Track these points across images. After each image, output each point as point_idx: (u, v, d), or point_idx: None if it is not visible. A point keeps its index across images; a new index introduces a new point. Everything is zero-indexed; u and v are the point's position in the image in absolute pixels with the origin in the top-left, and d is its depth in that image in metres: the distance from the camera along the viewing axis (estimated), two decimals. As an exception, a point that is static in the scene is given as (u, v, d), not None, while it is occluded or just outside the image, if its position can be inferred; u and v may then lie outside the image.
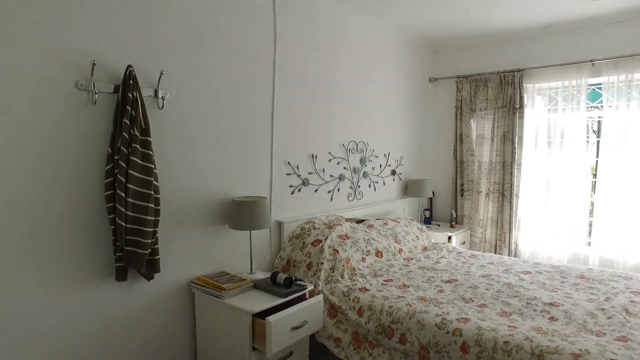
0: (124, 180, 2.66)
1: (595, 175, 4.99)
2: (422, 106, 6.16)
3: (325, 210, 4.51)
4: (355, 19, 4.78)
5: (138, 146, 2.74)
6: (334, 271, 3.68)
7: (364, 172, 4.96)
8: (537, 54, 5.33)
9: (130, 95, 2.73)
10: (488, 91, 5.65)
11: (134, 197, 2.70)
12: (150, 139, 2.83)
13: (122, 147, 2.67)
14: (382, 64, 5.25)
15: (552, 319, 2.83)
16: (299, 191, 4.13)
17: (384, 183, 5.38)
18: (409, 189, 5.67)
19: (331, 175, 4.55)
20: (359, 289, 3.45)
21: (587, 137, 5.02)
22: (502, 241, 5.57)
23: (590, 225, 5.10)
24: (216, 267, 3.83)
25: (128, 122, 2.71)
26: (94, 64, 2.65)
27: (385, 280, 3.67)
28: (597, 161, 4.99)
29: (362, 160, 4.91)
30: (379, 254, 4.22)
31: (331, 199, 4.57)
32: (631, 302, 3.08)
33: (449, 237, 5.37)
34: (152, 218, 2.78)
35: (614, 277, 3.66)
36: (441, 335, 2.78)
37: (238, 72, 3.55)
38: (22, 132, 2.41)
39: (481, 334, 2.64)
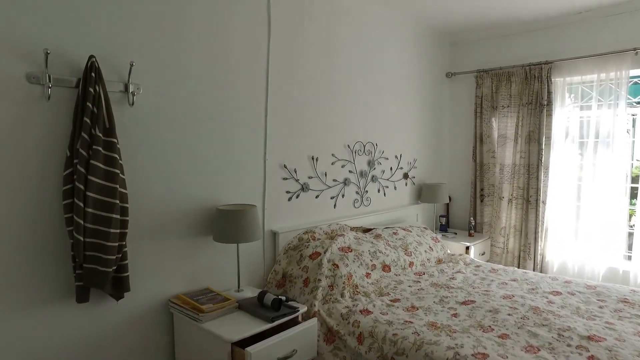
0: (82, 187, 2.30)
1: (637, 180, 4.40)
2: (438, 103, 5.65)
3: (327, 218, 4.08)
4: (363, 7, 4.33)
5: (100, 148, 2.37)
6: (332, 289, 3.25)
7: (372, 176, 4.50)
8: (568, 44, 4.77)
9: (92, 90, 2.36)
10: (511, 86, 5.11)
11: (94, 207, 2.33)
12: (115, 140, 2.45)
13: (81, 150, 2.31)
14: (393, 57, 4.78)
15: (591, 358, 2.33)
16: (297, 197, 3.71)
17: (395, 188, 4.91)
18: (423, 194, 5.18)
19: (334, 180, 4.12)
20: (360, 311, 3.02)
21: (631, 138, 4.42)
22: (526, 253, 5.02)
23: (630, 236, 4.51)
24: (202, 283, 3.45)
25: (89, 120, 2.34)
26: (47, 53, 2.29)
27: (391, 300, 3.22)
28: (632, 164, 4.41)
29: (370, 163, 4.45)
30: (386, 268, 3.76)
31: (334, 205, 4.14)
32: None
33: (467, 248, 4.86)
34: (117, 231, 2.41)
35: (664, 302, 3.11)
36: (454, 375, 2.31)
37: (225, 63, 3.15)
38: (-41, 132, 2.12)
39: (502, 377, 2.17)
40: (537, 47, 4.98)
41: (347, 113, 4.22)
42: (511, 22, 4.95)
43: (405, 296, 3.31)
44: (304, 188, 3.75)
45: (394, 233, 4.21)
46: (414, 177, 5.28)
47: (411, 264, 3.98)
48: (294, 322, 2.83)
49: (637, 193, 4.57)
